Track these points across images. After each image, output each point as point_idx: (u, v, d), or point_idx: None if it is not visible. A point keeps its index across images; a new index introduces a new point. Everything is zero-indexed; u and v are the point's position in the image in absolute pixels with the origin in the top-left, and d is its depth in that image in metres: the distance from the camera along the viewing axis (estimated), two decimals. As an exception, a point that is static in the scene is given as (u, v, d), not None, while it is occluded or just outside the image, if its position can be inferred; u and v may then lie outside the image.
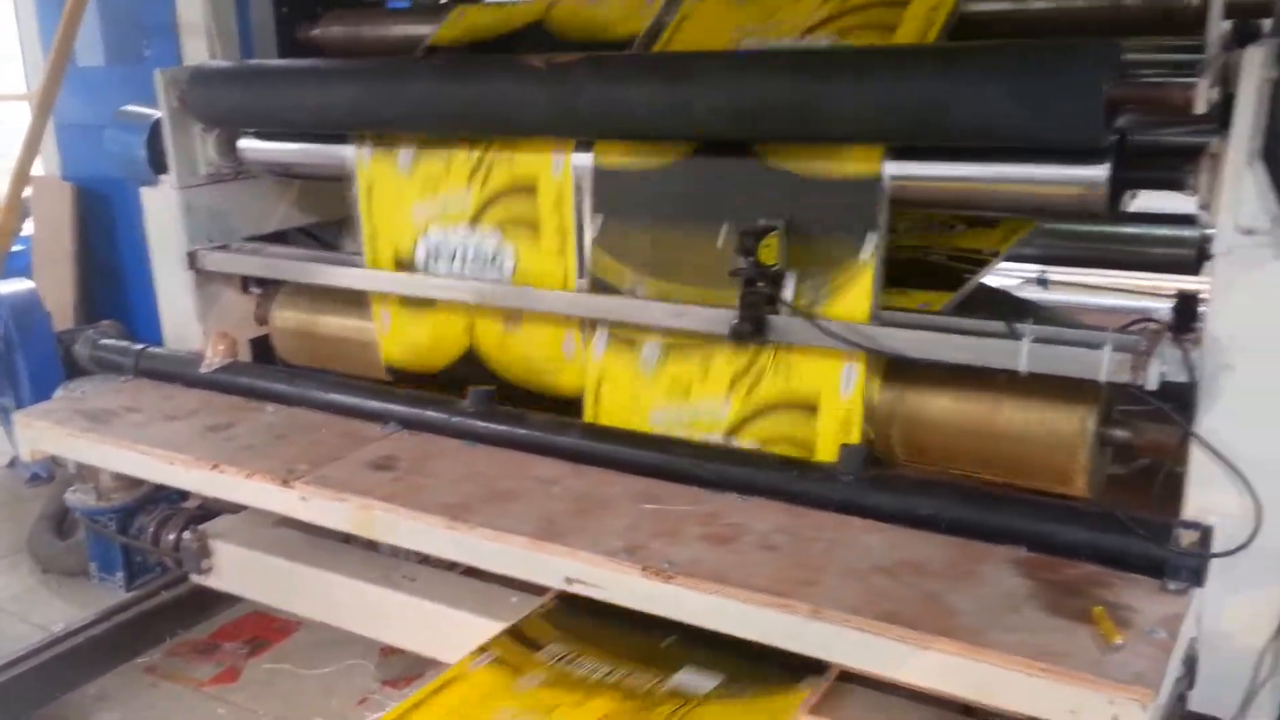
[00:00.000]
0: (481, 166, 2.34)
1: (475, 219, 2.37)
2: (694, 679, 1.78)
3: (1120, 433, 1.90)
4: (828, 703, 1.72)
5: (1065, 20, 2.13)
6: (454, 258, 2.41)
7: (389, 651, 2.71)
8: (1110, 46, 1.75)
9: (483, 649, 1.84)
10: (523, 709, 1.70)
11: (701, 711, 1.70)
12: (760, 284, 2.00)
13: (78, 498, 2.89)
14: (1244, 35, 1.85)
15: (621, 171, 2.19)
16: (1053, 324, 1.91)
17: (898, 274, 2.10)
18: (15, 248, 4.10)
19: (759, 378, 2.11)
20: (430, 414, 2.33)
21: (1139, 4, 2.04)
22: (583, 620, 1.90)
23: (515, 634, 1.89)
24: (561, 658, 1.82)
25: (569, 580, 1.86)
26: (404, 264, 2.48)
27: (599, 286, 2.23)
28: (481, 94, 2.21)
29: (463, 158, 2.36)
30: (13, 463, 3.80)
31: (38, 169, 4.07)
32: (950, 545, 1.83)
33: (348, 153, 2.50)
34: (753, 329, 2.01)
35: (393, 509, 2.03)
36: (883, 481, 1.96)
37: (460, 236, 2.40)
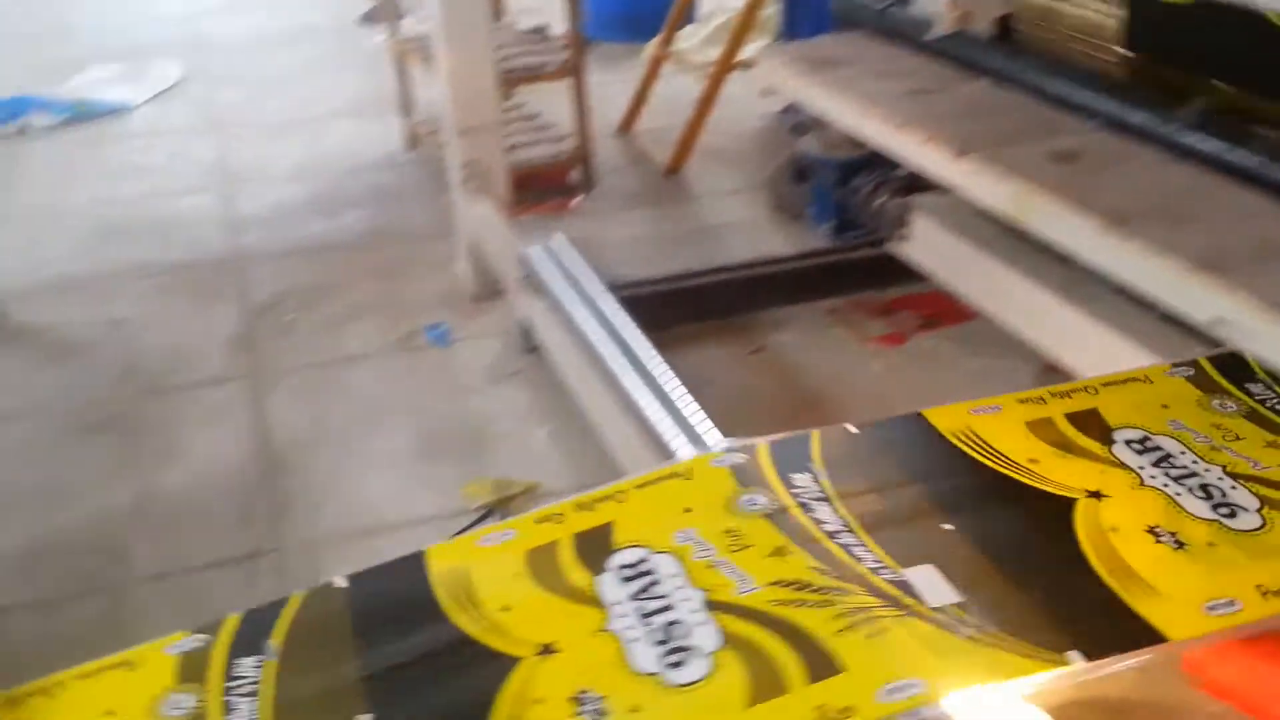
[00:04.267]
0: None
1: None
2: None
3: None
4: None
5: None
6: None
7: (1051, 369, 2.63)
8: None
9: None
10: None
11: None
12: None
13: (809, 144, 3.16)
14: None
15: None
16: None
17: None
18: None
19: None
20: (1137, 117, 2.08)
21: None
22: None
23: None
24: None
25: (1216, 320, 1.62)
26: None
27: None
28: None
29: None
30: (785, 109, 4.24)
31: None
32: None
33: None
34: None
35: (1054, 200, 1.90)
36: None
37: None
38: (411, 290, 3.22)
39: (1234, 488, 1.32)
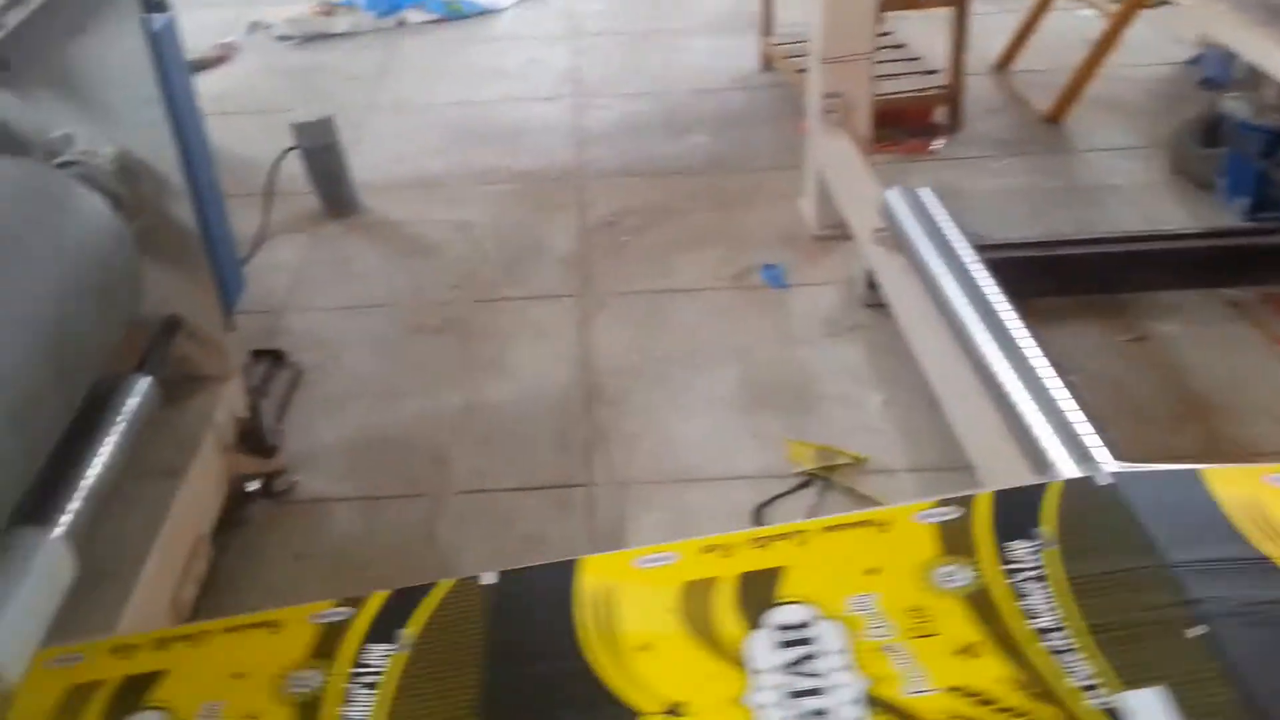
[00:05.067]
0: None
1: None
2: None
3: None
4: None
5: None
6: None
7: None
8: None
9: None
10: None
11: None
12: None
13: (1233, 106, 2.69)
14: None
15: None
16: None
17: None
18: None
19: None
20: None
21: None
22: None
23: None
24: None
25: None
26: None
27: None
28: None
29: None
30: (1195, 59, 3.69)
31: None
32: None
33: None
34: None
35: None
36: None
37: None
38: (750, 223, 3.05)
39: None
